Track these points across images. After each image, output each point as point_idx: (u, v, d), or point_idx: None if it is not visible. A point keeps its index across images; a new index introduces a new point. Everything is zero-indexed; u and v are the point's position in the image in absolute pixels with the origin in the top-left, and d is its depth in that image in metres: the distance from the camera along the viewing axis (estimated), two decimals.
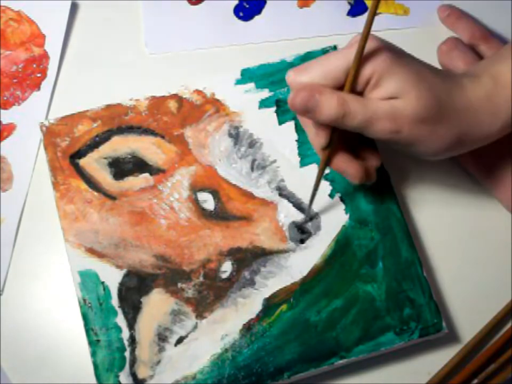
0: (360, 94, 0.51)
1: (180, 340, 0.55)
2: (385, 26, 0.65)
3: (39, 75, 0.63)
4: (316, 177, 0.55)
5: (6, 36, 0.64)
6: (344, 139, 0.53)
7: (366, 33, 0.48)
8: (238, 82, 0.61)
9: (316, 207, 0.58)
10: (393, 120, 0.50)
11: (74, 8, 0.66)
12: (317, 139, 0.53)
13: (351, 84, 0.50)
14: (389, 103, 0.50)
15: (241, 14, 0.66)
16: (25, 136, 0.62)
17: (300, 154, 0.59)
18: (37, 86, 0.63)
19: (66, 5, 0.65)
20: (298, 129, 0.60)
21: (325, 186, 0.58)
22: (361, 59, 0.49)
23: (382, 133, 0.51)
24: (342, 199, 0.58)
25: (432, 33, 0.66)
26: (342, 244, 0.57)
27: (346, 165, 0.53)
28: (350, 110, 0.50)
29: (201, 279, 0.56)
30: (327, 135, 0.52)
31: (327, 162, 0.53)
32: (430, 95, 0.51)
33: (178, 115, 0.60)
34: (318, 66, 0.51)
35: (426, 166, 0.61)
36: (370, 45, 0.50)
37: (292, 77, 0.52)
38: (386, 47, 0.51)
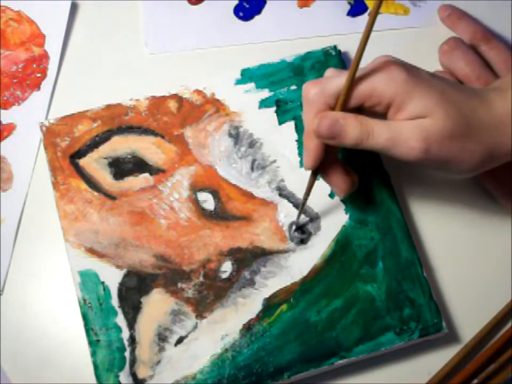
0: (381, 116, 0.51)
1: (180, 340, 0.55)
2: (385, 27, 0.65)
3: (39, 75, 0.63)
4: (305, 193, 0.55)
5: (6, 36, 0.64)
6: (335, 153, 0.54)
7: (361, 50, 0.48)
8: (238, 82, 0.61)
9: (316, 208, 0.58)
10: (422, 138, 0.50)
11: (74, 8, 0.66)
12: (305, 159, 0.53)
13: (342, 102, 0.51)
14: (415, 122, 0.50)
15: (241, 14, 0.66)
16: (25, 136, 0.62)
17: (300, 154, 0.59)
18: (37, 86, 0.63)
19: (66, 5, 0.65)
20: (298, 129, 0.60)
21: (325, 187, 0.58)
22: (354, 77, 0.50)
23: (412, 152, 0.50)
24: (341, 200, 0.58)
25: (432, 33, 0.65)
26: (342, 244, 0.57)
27: (337, 179, 0.54)
28: (373, 131, 0.50)
29: (201, 279, 0.56)
30: (314, 159, 0.52)
31: (313, 182, 0.54)
32: (457, 113, 0.50)
33: (178, 115, 0.60)
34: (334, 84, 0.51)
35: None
36: (385, 65, 0.50)
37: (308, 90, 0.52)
38: (403, 66, 0.51)
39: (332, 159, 0.54)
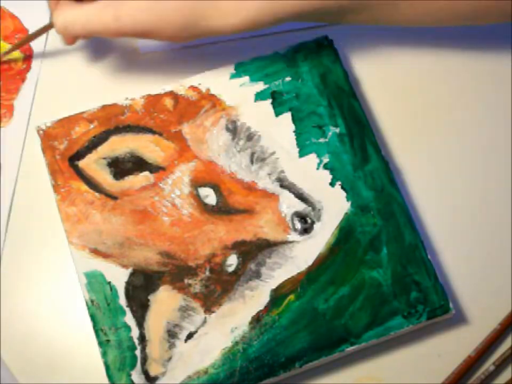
0: None
1: (189, 336, 0.55)
2: None
3: (24, 66, 0.64)
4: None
5: None
6: None
7: None
8: (233, 76, 0.61)
9: (317, 196, 0.58)
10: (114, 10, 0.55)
11: None
12: None
13: None
14: None
15: None
16: (12, 128, 0.63)
17: (298, 144, 0.59)
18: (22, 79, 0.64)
19: None
20: (296, 120, 0.60)
21: (325, 175, 0.58)
22: None
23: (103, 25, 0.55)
24: (342, 187, 0.58)
25: None
26: (345, 232, 0.57)
27: None
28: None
29: (207, 273, 0.56)
30: None
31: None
32: None
33: (174, 112, 0.60)
34: None
35: (425, 147, 0.62)
36: None
37: None
38: None
39: None
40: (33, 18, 0.65)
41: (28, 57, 0.64)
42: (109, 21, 0.55)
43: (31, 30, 0.65)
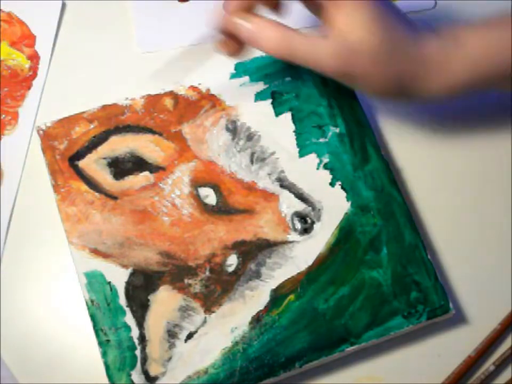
0: None
1: (189, 336, 0.55)
2: None
3: (30, 73, 0.64)
4: None
5: None
6: None
7: None
8: (233, 76, 0.61)
9: (317, 196, 0.58)
10: (340, 49, 0.53)
11: (63, 9, 0.66)
12: None
13: None
14: (340, 32, 0.53)
15: None
16: (17, 133, 0.62)
17: (298, 144, 0.59)
18: (28, 86, 0.64)
19: (57, 5, 0.66)
20: (296, 119, 0.60)
21: (325, 175, 0.58)
22: None
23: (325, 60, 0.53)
24: (342, 187, 0.58)
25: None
26: (345, 231, 0.57)
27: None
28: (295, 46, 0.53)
29: (207, 273, 0.56)
30: None
31: None
32: (387, 35, 0.52)
33: (174, 112, 0.60)
34: None
35: (426, 148, 0.62)
36: None
37: None
38: None
39: None
40: (41, 24, 0.65)
41: (35, 64, 0.64)
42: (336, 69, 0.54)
43: (39, 36, 0.64)
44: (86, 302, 0.55)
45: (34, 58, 0.64)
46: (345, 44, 0.52)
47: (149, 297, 0.55)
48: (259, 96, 0.61)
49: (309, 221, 0.57)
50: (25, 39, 0.65)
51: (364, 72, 0.53)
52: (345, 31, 0.52)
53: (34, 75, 0.64)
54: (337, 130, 0.60)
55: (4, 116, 0.62)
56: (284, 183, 0.58)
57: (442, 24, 0.57)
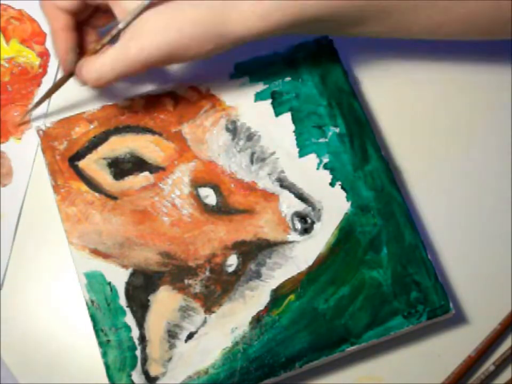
0: None
1: (190, 336, 0.55)
2: None
3: (40, 70, 0.64)
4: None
5: (8, 34, 0.65)
6: None
7: None
8: (233, 76, 0.61)
9: (317, 196, 0.58)
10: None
11: None
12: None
13: None
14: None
15: None
16: (27, 132, 0.62)
17: (298, 145, 0.59)
18: (38, 83, 0.64)
19: None
20: (296, 120, 0.60)
21: (325, 176, 0.58)
22: None
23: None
24: (342, 187, 0.58)
25: None
26: (345, 232, 0.57)
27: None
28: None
29: (207, 274, 0.56)
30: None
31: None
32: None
33: (174, 112, 0.60)
34: None
35: (425, 148, 0.62)
36: None
37: None
38: None
39: None
40: None
41: (45, 62, 0.64)
42: (134, 54, 0.54)
43: (49, 33, 0.64)
44: (86, 302, 0.55)
45: (44, 55, 0.65)
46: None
47: (149, 298, 0.55)
48: (259, 96, 0.61)
49: (309, 221, 0.57)
50: (36, 37, 0.65)
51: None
52: None
53: (44, 72, 0.64)
54: (337, 130, 0.60)
55: (15, 113, 0.62)
56: (283, 183, 0.58)
57: None
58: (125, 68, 0.54)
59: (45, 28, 0.65)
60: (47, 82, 0.64)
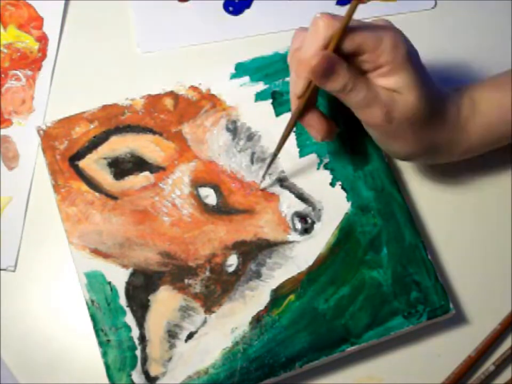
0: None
1: (190, 336, 0.55)
2: (374, 14, 0.66)
3: (39, 55, 0.64)
4: (287, 125, 0.55)
5: (5, 20, 0.65)
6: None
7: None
8: (233, 76, 0.61)
9: (318, 196, 0.58)
10: (390, 110, 0.51)
11: (64, 10, 0.66)
12: (295, 86, 0.53)
13: (337, 43, 0.50)
14: (391, 93, 0.51)
15: (230, 8, 0.66)
16: (31, 116, 0.63)
17: (298, 145, 0.60)
18: (38, 67, 0.64)
19: None
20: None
21: (326, 176, 0.59)
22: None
23: (376, 117, 0.52)
24: (343, 187, 0.58)
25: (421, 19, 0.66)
26: (345, 232, 0.57)
27: (315, 121, 0.54)
28: (357, 86, 0.51)
29: (207, 274, 0.56)
30: (304, 85, 0.52)
31: (300, 113, 0.54)
32: (429, 100, 0.52)
33: (175, 112, 0.60)
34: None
35: None
36: (391, 31, 0.51)
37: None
38: (405, 40, 0.51)
39: (311, 104, 0.54)
40: (48, 6, 0.66)
41: (44, 46, 0.64)
42: (378, 120, 0.52)
43: (46, 18, 0.65)
44: (86, 302, 0.55)
45: (42, 39, 0.65)
46: (395, 101, 0.52)
47: (149, 297, 0.55)
48: (259, 96, 0.61)
49: (309, 221, 0.57)
50: (33, 21, 0.65)
51: (403, 131, 0.53)
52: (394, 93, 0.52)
53: (43, 56, 0.64)
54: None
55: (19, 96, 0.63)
56: (284, 183, 0.58)
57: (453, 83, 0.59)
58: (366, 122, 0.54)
59: (42, 12, 0.65)
60: (47, 66, 0.64)
